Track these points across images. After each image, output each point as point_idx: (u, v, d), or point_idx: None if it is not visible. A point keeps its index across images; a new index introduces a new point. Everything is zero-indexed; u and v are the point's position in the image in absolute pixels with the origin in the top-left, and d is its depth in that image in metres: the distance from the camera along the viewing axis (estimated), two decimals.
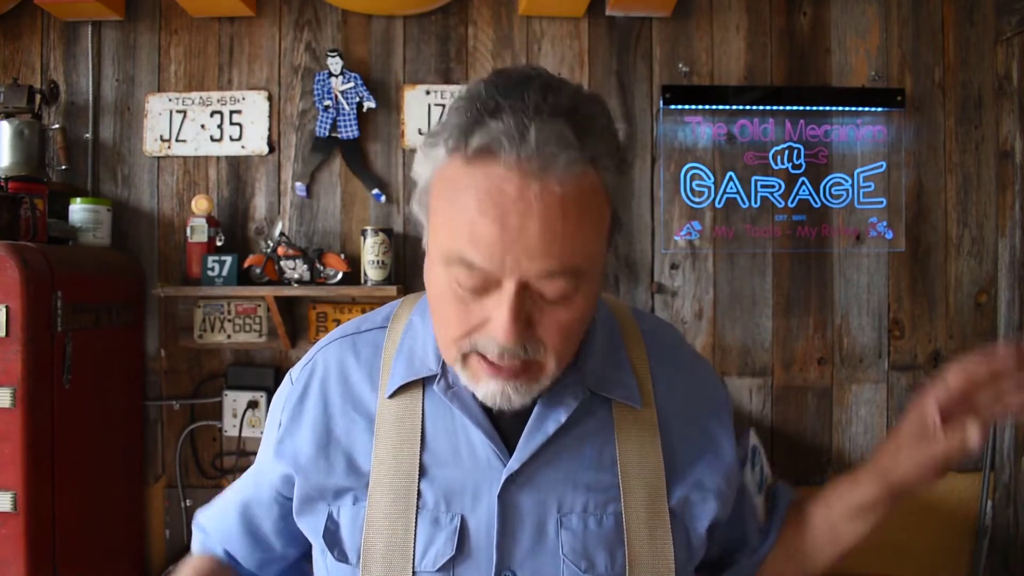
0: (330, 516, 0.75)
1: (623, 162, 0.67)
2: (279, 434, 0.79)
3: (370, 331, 0.82)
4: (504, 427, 0.73)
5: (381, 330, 0.82)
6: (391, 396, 0.76)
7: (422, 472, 0.73)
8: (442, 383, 0.74)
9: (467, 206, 0.62)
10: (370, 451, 0.75)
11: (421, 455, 0.73)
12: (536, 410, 0.72)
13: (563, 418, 0.72)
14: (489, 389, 0.67)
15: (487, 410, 0.72)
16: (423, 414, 0.75)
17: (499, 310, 0.63)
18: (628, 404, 0.75)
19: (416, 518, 0.71)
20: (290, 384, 0.82)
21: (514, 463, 0.71)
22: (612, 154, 0.65)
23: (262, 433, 0.86)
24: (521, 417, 0.72)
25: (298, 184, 2.21)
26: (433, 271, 0.68)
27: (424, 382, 0.76)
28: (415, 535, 0.71)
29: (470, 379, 0.68)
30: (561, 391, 0.72)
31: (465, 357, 0.68)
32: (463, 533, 0.71)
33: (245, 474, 0.87)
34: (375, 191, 2.21)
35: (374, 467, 0.73)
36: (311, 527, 0.76)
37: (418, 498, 0.72)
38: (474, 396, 0.72)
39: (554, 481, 0.72)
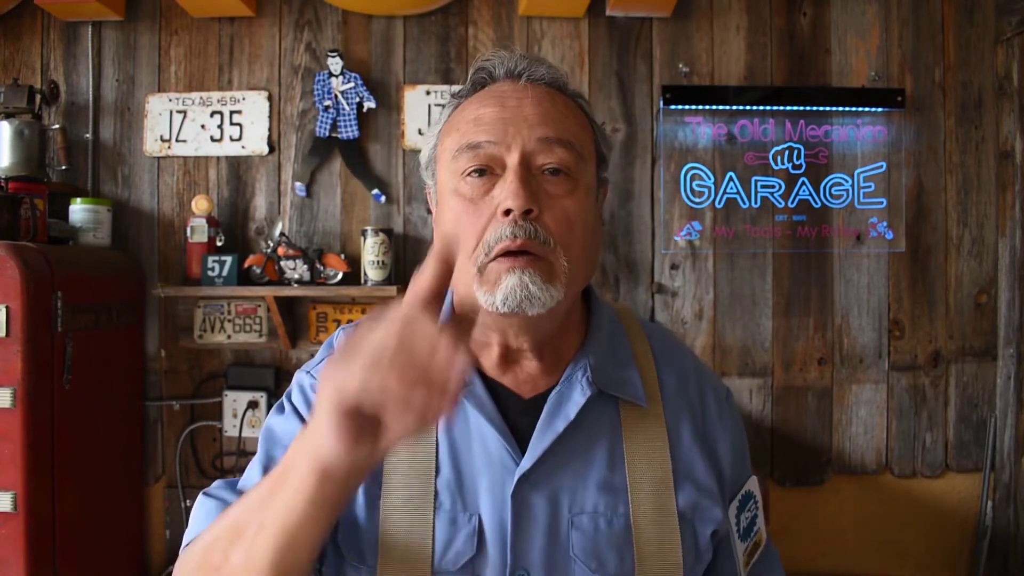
0: (345, 516, 0.73)
1: (599, 128, 0.80)
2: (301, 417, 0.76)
3: None
4: (517, 427, 0.74)
5: None
6: None
7: (436, 470, 0.73)
8: None
9: (470, 115, 0.74)
10: None
11: (435, 453, 0.73)
12: (546, 408, 0.74)
13: (572, 414, 0.73)
14: (509, 285, 0.68)
15: (501, 409, 0.74)
16: None
17: (506, 184, 0.70)
18: (635, 402, 0.76)
19: (433, 517, 0.71)
20: (310, 379, 0.79)
21: (527, 462, 0.71)
22: (587, 104, 0.80)
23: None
24: (532, 417, 0.74)
25: (298, 184, 2.21)
26: (443, 206, 0.75)
27: None
28: (433, 534, 0.71)
29: (489, 290, 0.69)
30: (570, 389, 0.74)
31: (482, 271, 0.69)
32: (479, 532, 0.71)
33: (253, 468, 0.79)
34: (375, 192, 2.21)
35: (388, 463, 0.73)
36: None
37: (435, 497, 0.72)
38: (489, 393, 0.74)
39: (565, 481, 0.73)
